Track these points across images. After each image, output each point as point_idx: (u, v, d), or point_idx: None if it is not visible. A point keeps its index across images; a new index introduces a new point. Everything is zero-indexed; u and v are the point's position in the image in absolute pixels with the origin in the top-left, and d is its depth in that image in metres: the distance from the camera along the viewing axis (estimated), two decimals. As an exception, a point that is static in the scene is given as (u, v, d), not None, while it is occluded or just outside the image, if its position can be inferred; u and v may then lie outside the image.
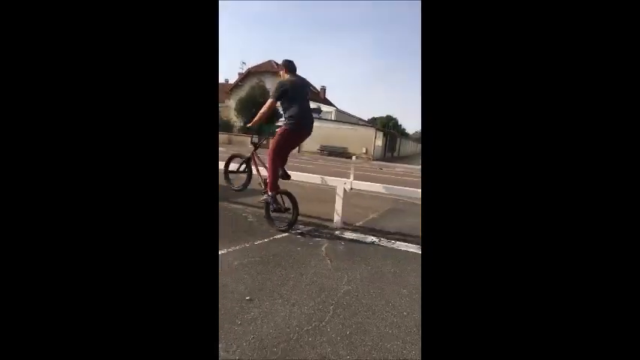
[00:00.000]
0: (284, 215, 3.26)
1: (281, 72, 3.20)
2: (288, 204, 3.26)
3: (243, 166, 3.48)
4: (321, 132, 20.01)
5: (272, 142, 3.09)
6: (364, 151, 20.09)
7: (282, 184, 3.32)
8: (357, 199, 4.76)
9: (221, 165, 3.50)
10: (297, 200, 3.26)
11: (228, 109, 25.24)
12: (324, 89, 33.84)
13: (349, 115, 28.49)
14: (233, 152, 3.83)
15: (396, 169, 15.20)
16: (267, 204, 3.21)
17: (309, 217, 3.75)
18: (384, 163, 18.76)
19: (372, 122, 36.21)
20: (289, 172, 3.40)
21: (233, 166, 3.58)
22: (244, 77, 26.96)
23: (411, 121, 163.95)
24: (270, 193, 3.11)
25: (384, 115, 53.24)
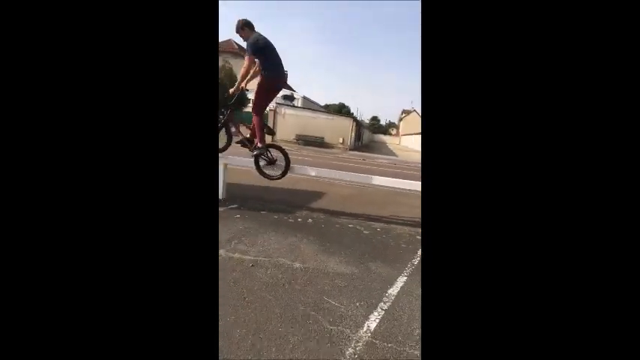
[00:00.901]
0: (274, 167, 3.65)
1: (245, 31, 3.26)
2: (276, 156, 3.66)
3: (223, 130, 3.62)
4: (298, 121, 19.80)
5: (254, 97, 3.33)
6: (341, 141, 20.13)
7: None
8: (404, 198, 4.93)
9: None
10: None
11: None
12: (286, 74, 33.18)
13: (314, 102, 28.21)
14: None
15: (378, 160, 15.59)
16: (257, 158, 3.57)
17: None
18: (360, 153, 19.17)
19: (325, 109, 36.21)
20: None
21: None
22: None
23: (362, 110, 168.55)
24: (260, 145, 3.42)
25: (337, 103, 54.13)
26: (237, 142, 3.68)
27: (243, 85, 3.46)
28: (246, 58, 3.18)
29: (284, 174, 3.70)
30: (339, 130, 20.52)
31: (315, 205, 4.31)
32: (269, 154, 3.64)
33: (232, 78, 19.50)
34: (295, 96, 24.68)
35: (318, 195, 4.96)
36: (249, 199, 4.05)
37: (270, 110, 18.05)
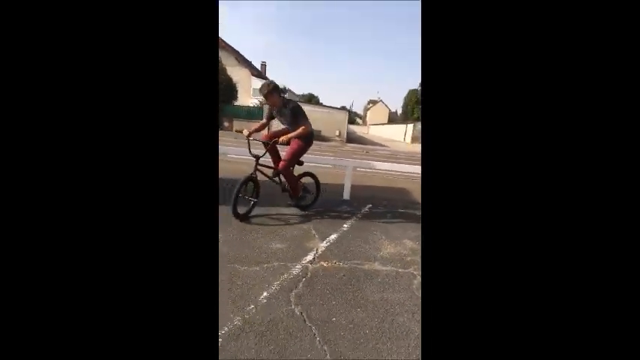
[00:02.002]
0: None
1: (274, 97, 3.11)
2: (310, 187, 3.53)
3: (249, 187, 3.13)
4: None
5: (289, 157, 3.15)
6: (337, 134, 20.41)
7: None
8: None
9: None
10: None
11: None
12: (264, 65, 30.96)
13: (294, 93, 27.68)
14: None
15: (378, 151, 16.38)
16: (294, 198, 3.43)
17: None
18: (357, 145, 19.91)
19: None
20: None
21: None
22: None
23: (331, 100, 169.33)
24: (299, 195, 3.37)
25: (307, 93, 54.49)
26: (283, 191, 3.46)
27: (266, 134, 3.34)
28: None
29: (316, 199, 3.66)
30: (335, 123, 20.75)
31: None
32: (306, 192, 3.52)
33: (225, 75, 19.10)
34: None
35: (405, 191, 5.42)
36: (366, 200, 4.28)
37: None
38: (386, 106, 61.14)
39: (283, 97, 3.21)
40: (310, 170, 3.73)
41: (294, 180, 3.32)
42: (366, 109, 64.02)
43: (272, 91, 3.09)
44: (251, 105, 20.63)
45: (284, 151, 3.30)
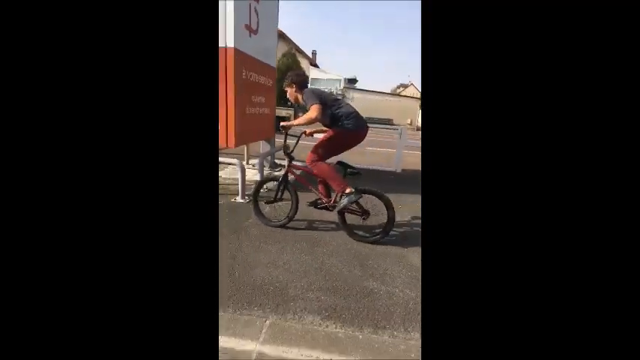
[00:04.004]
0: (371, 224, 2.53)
1: (291, 90, 2.62)
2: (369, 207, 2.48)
3: (282, 190, 2.64)
4: (365, 104, 19.60)
5: (322, 149, 2.50)
6: (409, 121, 20.18)
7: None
8: None
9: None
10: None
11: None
12: (314, 54, 28.36)
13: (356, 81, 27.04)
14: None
15: None
16: (343, 214, 2.52)
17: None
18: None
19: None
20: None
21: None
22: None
23: (373, 83, 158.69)
24: (347, 191, 2.42)
25: (351, 77, 51.95)
26: (310, 204, 2.65)
27: (307, 130, 2.76)
28: (316, 106, 2.34)
29: (386, 232, 2.43)
30: (406, 110, 20.61)
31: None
32: (359, 204, 2.47)
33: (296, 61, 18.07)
34: (336, 77, 23.89)
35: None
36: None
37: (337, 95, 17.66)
38: (417, 89, 54.65)
39: (299, 88, 2.58)
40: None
41: (330, 173, 2.46)
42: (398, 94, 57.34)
43: (291, 84, 2.60)
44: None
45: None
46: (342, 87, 22.26)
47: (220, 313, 1.65)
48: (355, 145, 2.56)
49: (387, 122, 20.16)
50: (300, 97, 2.60)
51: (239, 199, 3.47)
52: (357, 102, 20.57)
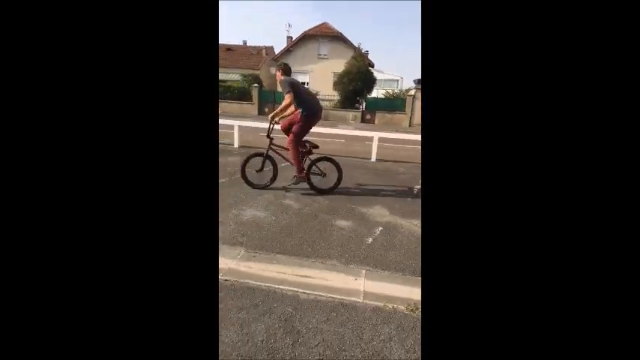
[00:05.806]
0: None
1: (278, 73, 3.55)
2: (327, 170, 3.69)
3: (265, 163, 3.67)
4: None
5: (295, 130, 3.51)
6: None
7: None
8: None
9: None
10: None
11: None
12: (366, 52, 27.99)
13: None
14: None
15: None
16: (308, 179, 3.69)
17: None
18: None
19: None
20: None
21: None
22: (298, 41, 23.42)
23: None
24: (298, 176, 3.64)
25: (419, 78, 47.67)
26: (292, 184, 3.78)
27: (277, 118, 3.63)
28: (289, 95, 3.38)
29: (335, 186, 3.73)
30: None
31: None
32: (319, 168, 3.71)
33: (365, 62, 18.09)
34: (395, 77, 23.84)
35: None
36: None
37: (408, 96, 17.49)
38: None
39: (283, 74, 3.52)
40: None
41: (296, 158, 3.58)
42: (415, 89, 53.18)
43: (279, 69, 3.55)
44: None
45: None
46: (400, 87, 21.78)
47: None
48: (315, 123, 3.68)
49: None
50: (280, 80, 3.52)
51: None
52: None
